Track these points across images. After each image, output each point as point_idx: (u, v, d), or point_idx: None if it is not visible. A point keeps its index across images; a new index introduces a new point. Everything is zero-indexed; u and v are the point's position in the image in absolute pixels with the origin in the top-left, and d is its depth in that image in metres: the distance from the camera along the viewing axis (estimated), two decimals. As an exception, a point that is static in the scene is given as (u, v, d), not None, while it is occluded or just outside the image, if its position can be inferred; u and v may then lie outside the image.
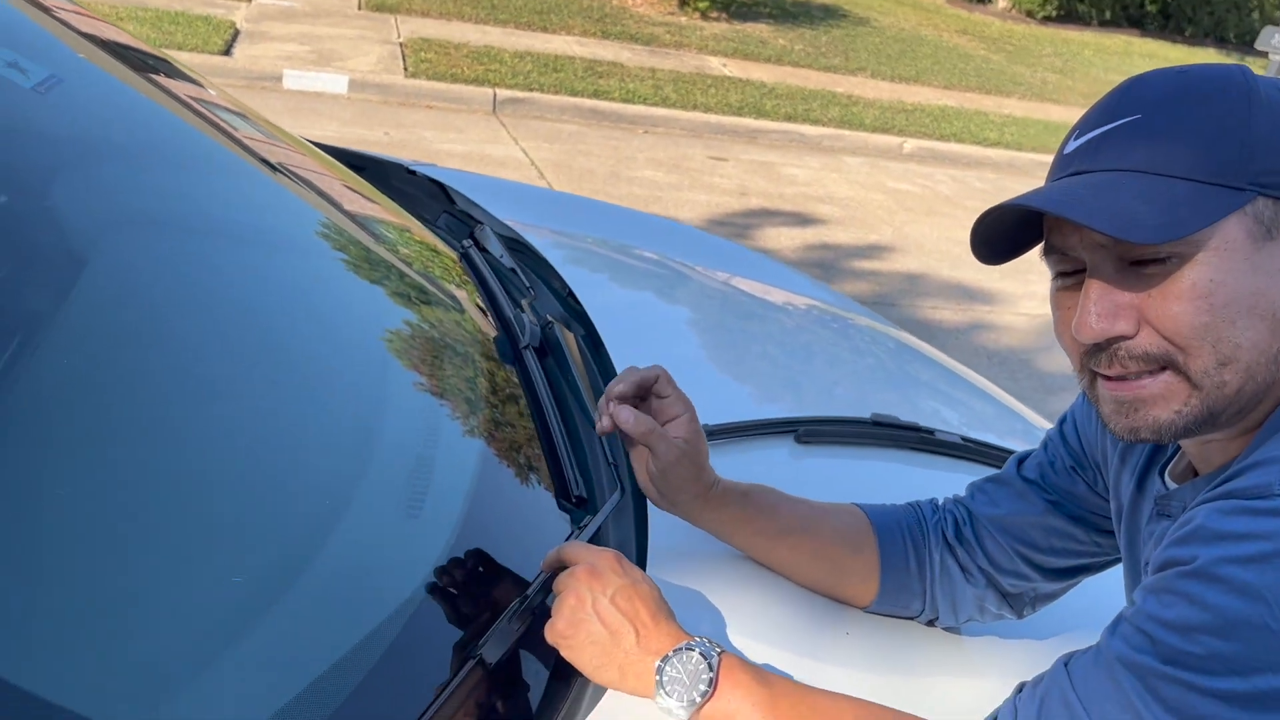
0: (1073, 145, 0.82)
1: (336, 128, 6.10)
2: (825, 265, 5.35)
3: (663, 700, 0.87)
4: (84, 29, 1.64)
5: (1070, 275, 0.83)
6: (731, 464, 1.31)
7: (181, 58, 6.64)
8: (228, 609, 0.92)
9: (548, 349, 1.45)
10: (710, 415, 1.35)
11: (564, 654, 0.90)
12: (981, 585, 1.09)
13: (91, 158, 1.51)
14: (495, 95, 7.11)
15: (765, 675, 0.90)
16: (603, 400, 1.08)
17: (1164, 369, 0.79)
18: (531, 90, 7.31)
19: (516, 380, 1.39)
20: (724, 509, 1.10)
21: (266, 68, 6.83)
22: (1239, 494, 0.73)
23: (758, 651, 1.01)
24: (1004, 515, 1.08)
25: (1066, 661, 0.80)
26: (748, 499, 1.11)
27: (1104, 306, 0.79)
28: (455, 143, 6.26)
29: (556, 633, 0.90)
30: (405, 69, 7.29)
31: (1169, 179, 0.76)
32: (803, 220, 5.97)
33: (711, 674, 0.87)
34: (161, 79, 1.70)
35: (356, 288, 1.52)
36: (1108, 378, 0.81)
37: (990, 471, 1.17)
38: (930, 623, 1.12)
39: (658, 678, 0.87)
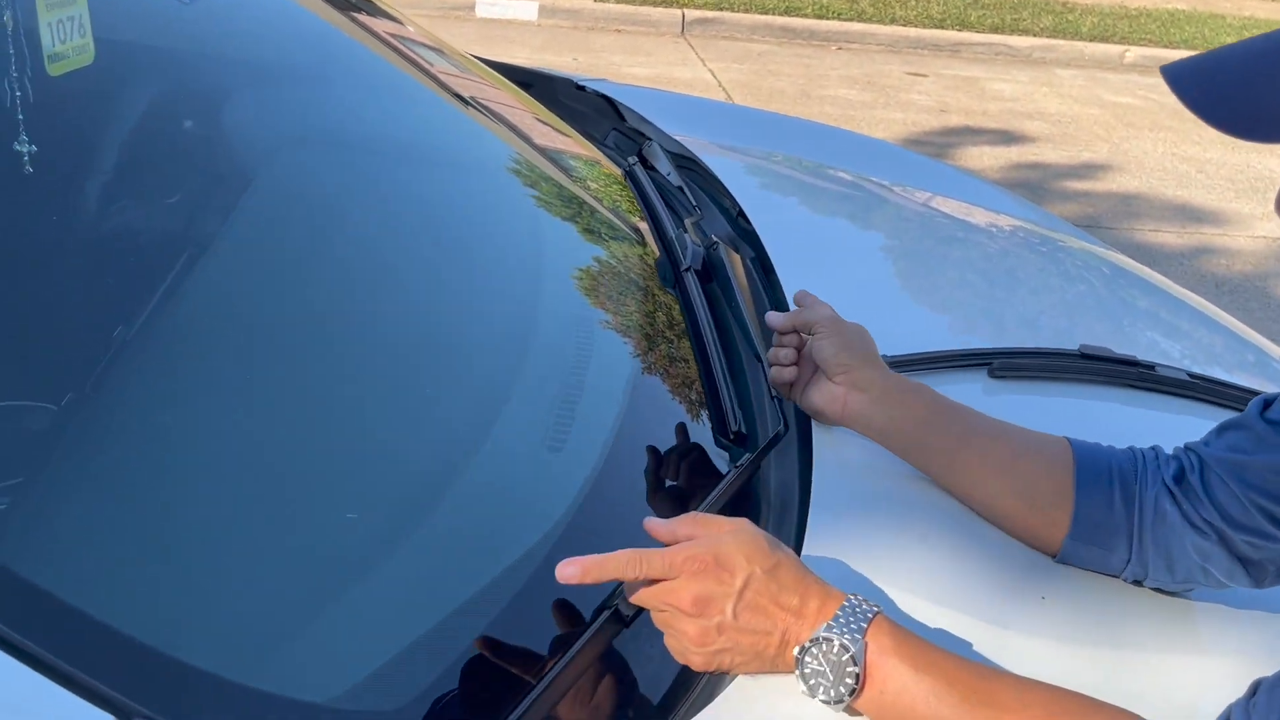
0: None
1: (526, 54, 6.09)
2: (1032, 186, 4.97)
3: (810, 696, 0.76)
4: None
5: None
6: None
7: (378, -10, 6.77)
8: (370, 530, 0.87)
9: (711, 272, 1.34)
10: (895, 346, 1.21)
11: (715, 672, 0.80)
12: (1211, 539, 0.91)
13: (267, 78, 1.50)
14: (684, 16, 6.93)
15: (926, 658, 0.76)
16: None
17: None
18: (720, 9, 7.09)
19: (676, 305, 1.29)
20: (903, 404, 1.00)
21: (459, -3, 6.89)
22: None
23: (931, 614, 0.88)
24: (1242, 460, 0.90)
25: None
26: (928, 392, 1.01)
27: None
28: (643, 66, 6.15)
29: (695, 666, 0.78)
30: (593, -7, 7.20)
31: None
32: (1008, 138, 5.57)
33: (856, 668, 0.75)
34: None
35: (513, 205, 1.45)
36: None
37: (1223, 414, 0.99)
38: (1138, 582, 0.96)
39: (798, 671, 0.76)
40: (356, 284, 1.17)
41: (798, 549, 0.92)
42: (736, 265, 1.36)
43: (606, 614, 0.81)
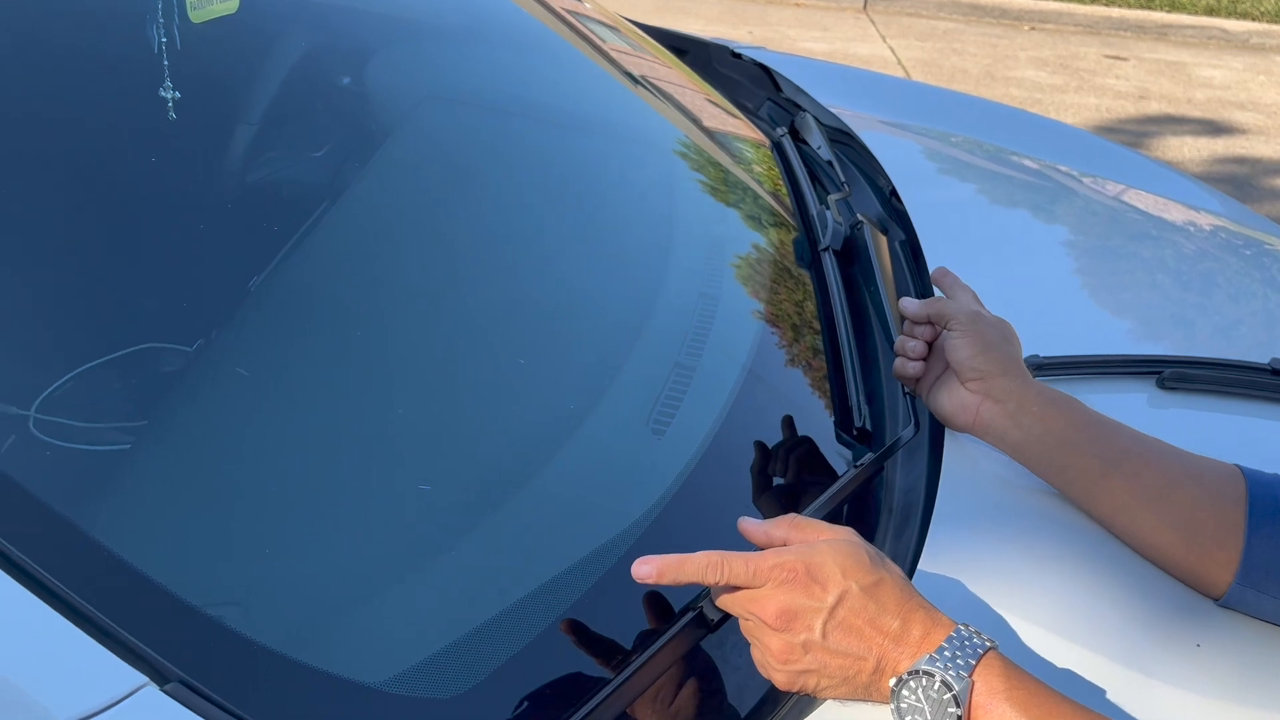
0: None
1: (700, 25, 6.00)
2: (1239, 182, 4.58)
3: None
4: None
5: None
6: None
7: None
8: (454, 501, 0.83)
9: (852, 254, 1.24)
10: (1055, 347, 1.09)
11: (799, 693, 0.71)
12: None
13: (415, 34, 1.49)
14: (868, -10, 6.70)
15: (1044, 706, 0.66)
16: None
17: None
18: (907, -16, 6.82)
19: (810, 285, 1.20)
20: (1043, 420, 0.89)
21: (641, -33, 6.85)
22: None
23: (1059, 654, 0.77)
24: None
25: None
26: (1075, 407, 0.90)
27: None
28: (819, 41, 5.97)
29: (778, 684, 0.70)
30: (775, -35, 7.04)
31: None
32: (1215, 129, 5.14)
33: (959, 710, 0.66)
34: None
35: (650, 172, 1.39)
36: None
37: None
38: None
39: (893, 704, 0.67)
40: (484, 245, 1.14)
41: (913, 564, 0.83)
42: (881, 248, 1.26)
43: (691, 615, 0.74)
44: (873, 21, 6.45)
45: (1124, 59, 6.15)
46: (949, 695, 0.66)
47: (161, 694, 0.55)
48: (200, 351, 0.94)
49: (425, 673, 0.66)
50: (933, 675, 0.66)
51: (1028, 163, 1.74)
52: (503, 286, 1.08)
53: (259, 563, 0.71)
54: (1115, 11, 6.74)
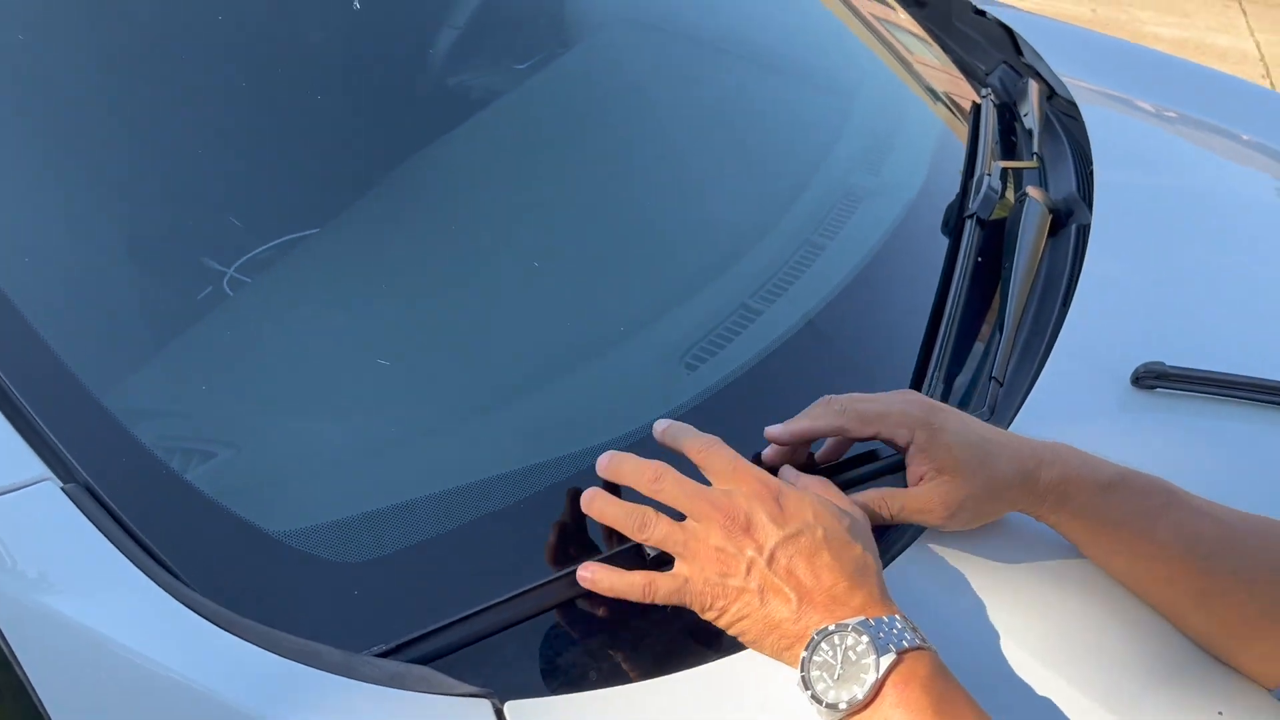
0: None
1: (1038, 1, 5.59)
2: None
3: (802, 688, 0.61)
4: None
5: None
6: (1192, 431, 0.91)
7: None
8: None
9: (1001, 226, 1.13)
10: (1206, 359, 0.94)
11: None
12: None
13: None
14: (1247, -23, 5.98)
15: (962, 710, 0.59)
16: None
17: None
18: (1299, -27, 6.02)
19: (942, 251, 1.11)
20: (1063, 508, 0.73)
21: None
22: None
23: (1047, 686, 0.68)
24: None
25: None
26: (1108, 495, 0.72)
27: None
28: (1173, 27, 5.41)
29: (694, 599, 0.65)
30: (1144, -60, 6.43)
31: None
32: None
33: (875, 675, 0.59)
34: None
35: (828, 113, 1.32)
36: None
37: None
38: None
39: (804, 654, 0.61)
40: (626, 163, 1.14)
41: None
42: (1040, 227, 1.14)
43: (629, 546, 0.71)
44: (1244, 11, 5.75)
45: None
46: (869, 660, 0.60)
47: (60, 491, 0.60)
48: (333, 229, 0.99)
49: (331, 534, 0.68)
50: (861, 635, 0.60)
51: (1258, 155, 1.50)
52: (634, 203, 1.07)
53: (198, 396, 0.74)
54: None
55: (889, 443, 0.75)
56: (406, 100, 1.21)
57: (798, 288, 0.99)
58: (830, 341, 0.97)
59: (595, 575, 0.66)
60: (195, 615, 0.59)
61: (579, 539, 0.72)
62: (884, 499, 0.72)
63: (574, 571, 0.67)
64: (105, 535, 0.60)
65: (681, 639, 0.70)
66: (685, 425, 0.71)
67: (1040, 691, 0.68)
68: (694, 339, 0.91)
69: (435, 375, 0.83)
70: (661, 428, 0.71)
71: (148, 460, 0.66)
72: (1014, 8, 1.84)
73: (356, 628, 0.63)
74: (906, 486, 0.74)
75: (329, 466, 0.74)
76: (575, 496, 0.69)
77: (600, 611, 0.70)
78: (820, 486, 0.70)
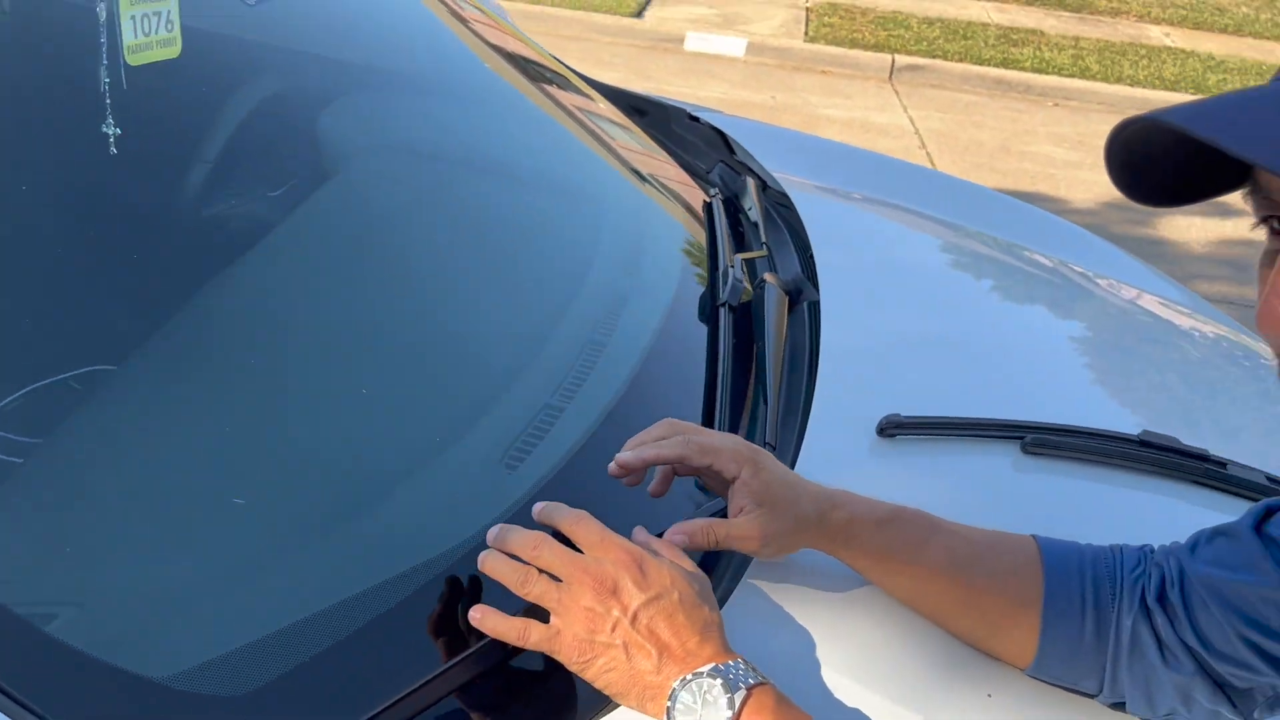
0: None
1: (724, 90, 6.12)
2: (1241, 265, 4.58)
3: None
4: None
5: None
6: (930, 468, 1.09)
7: (594, 19, 6.98)
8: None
9: (749, 311, 1.30)
10: (934, 407, 1.13)
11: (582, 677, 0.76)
12: (1187, 670, 0.80)
13: (359, 82, 1.57)
14: (894, 62, 6.80)
15: None
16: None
17: None
18: (934, 57, 6.92)
19: (704, 338, 1.26)
20: (850, 544, 0.88)
21: (672, 29, 7.01)
22: None
23: (857, 697, 0.81)
24: (1224, 580, 0.79)
25: None
26: (884, 529, 0.88)
27: None
28: (839, 108, 6.07)
29: (565, 654, 0.75)
30: (806, 33, 7.18)
31: None
32: (1224, 211, 5.15)
33: (731, 711, 0.70)
34: (450, 13, 1.72)
35: (579, 220, 1.45)
36: None
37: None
38: (1117, 706, 0.86)
39: (669, 704, 0.72)
40: (386, 292, 1.20)
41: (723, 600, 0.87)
42: (780, 308, 1.31)
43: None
44: (896, 92, 6.54)
45: (1144, 139, 6.18)
46: (724, 699, 0.70)
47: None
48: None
49: (216, 670, 0.71)
50: (715, 680, 0.71)
51: (958, 228, 1.79)
52: (402, 320, 1.14)
53: (62, 560, 0.76)
54: (1139, 92, 6.79)
55: (717, 475, 0.87)
56: (169, 239, 1.23)
57: (590, 383, 1.11)
58: (627, 425, 1.08)
59: (483, 616, 0.75)
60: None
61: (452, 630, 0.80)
62: (709, 528, 0.84)
63: (453, 666, 0.74)
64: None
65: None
66: (558, 504, 0.80)
67: (850, 703, 0.82)
68: (509, 440, 1.00)
69: (274, 503, 0.88)
70: (538, 508, 0.81)
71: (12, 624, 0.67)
72: (716, 110, 2.07)
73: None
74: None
75: (191, 605, 0.77)
76: (451, 591, 0.77)
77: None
78: (671, 553, 0.80)
